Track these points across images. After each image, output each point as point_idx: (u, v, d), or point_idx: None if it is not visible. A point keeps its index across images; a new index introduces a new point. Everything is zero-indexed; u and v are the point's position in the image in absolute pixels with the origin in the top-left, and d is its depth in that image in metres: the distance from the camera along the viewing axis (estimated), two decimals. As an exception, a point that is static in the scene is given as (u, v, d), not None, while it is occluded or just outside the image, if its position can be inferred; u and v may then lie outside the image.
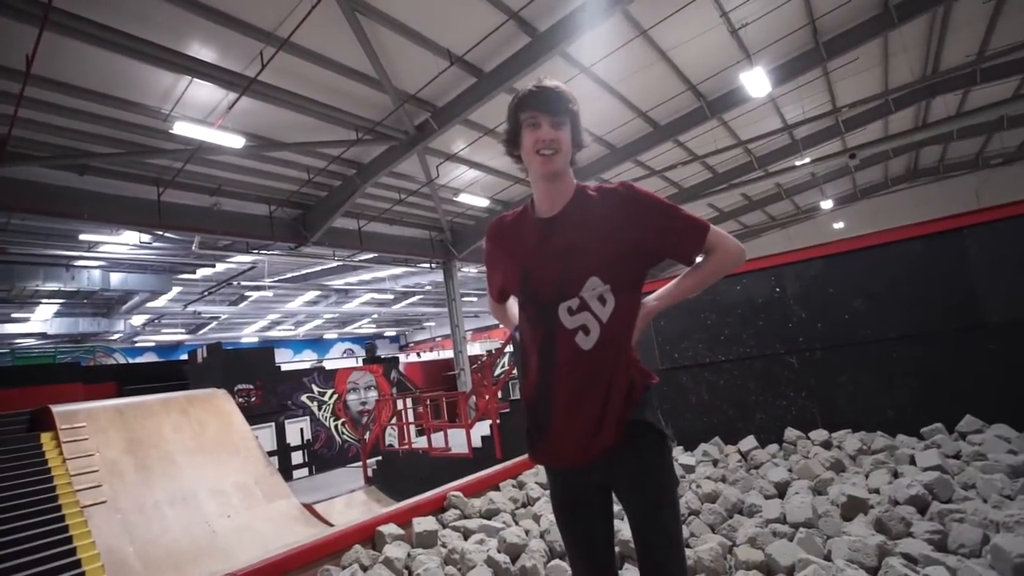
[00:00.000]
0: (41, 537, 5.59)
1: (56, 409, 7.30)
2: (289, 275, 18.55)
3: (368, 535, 3.35)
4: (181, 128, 7.54)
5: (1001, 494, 2.86)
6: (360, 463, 8.91)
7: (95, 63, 6.75)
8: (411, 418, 11.65)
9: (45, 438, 6.94)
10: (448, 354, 19.17)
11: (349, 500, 8.02)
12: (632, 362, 1.39)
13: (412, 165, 11.18)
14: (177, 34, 6.67)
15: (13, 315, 15.17)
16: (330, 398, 12.51)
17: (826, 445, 4.22)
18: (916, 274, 4.32)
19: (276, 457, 10.76)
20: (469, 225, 15.34)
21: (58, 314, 15.96)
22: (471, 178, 12.62)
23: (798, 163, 14.18)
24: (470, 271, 20.15)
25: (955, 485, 3.11)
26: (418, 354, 23.33)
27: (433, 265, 16.61)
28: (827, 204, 20.13)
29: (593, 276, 1.34)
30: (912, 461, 3.59)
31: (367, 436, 11.97)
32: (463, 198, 12.65)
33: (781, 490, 3.66)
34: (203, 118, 8.25)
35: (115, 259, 12.20)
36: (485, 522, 3.45)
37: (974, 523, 2.55)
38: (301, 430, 11.57)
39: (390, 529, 3.35)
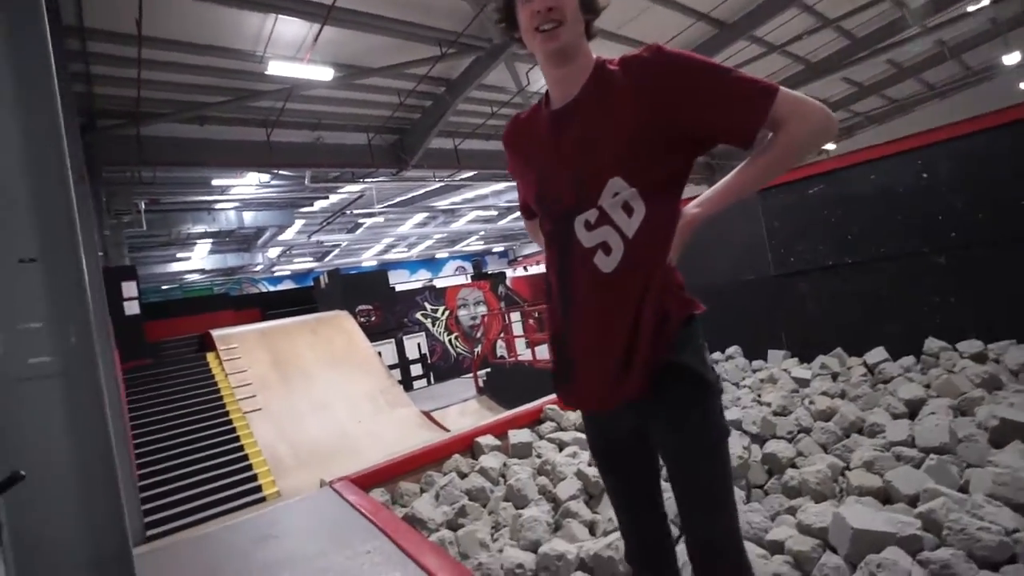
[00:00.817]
0: (216, 436, 6.78)
1: (215, 333, 8.54)
2: (397, 200, 19.36)
3: (467, 445, 3.57)
4: (275, 67, 7.80)
5: None
6: (481, 372, 9.54)
7: (193, 16, 7.07)
8: (518, 331, 12.07)
9: (210, 357, 8.20)
10: (553, 268, 19.28)
11: (463, 408, 8.68)
12: (668, 288, 1.11)
13: (501, 75, 10.71)
14: (257, -30, 6.71)
15: (177, 255, 17.74)
16: (442, 314, 13.29)
17: (979, 358, 3.64)
18: None
19: (397, 370, 11.84)
20: (565, 133, 14.66)
21: (211, 252, 18.34)
22: (563, 81, 11.84)
23: (972, 7, 11.38)
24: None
25: None
26: (525, 268, 23.71)
27: (532, 179, 16.31)
28: (1013, 58, 16.06)
29: (615, 176, 1.08)
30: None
31: (478, 349, 12.71)
32: (556, 105, 12.00)
33: (913, 409, 3.27)
34: (293, 55, 8.45)
35: (245, 199, 13.51)
36: (579, 435, 3.51)
37: None
38: (418, 345, 12.54)
39: (487, 440, 3.54)
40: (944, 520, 1.94)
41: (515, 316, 12.78)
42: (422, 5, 8.16)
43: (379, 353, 11.69)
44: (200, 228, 13.71)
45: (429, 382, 12.30)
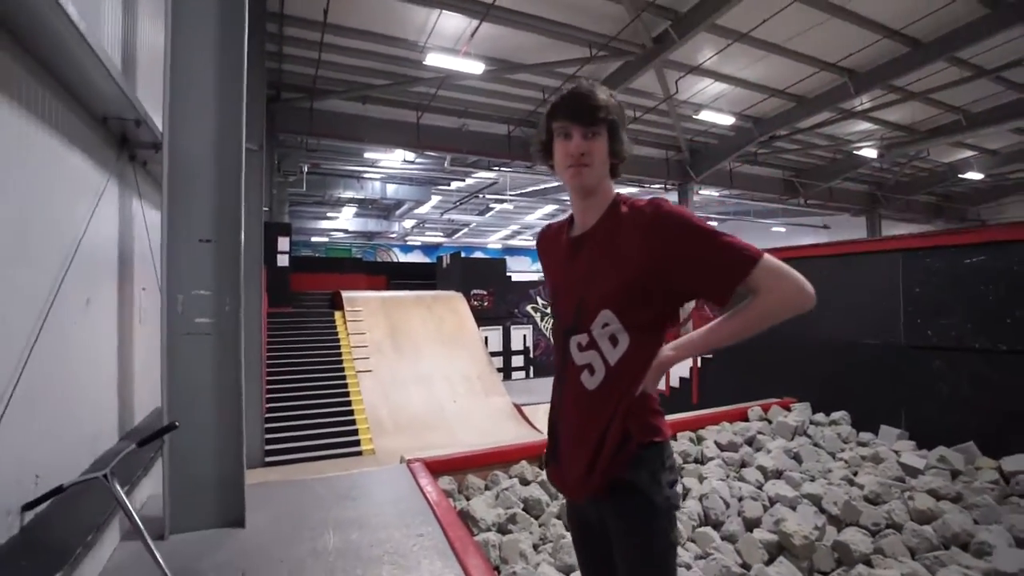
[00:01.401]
0: (330, 389, 7.71)
1: (345, 294, 9.61)
2: (529, 189, 19.90)
3: (537, 453, 3.78)
4: (432, 59, 8.46)
5: None
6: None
7: (370, 7, 7.92)
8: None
9: (337, 316, 9.27)
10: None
11: (553, 409, 8.90)
12: (636, 413, 1.21)
13: (649, 80, 10.53)
14: (428, -31, 7.32)
15: (328, 214, 20.00)
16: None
17: None
18: None
19: (500, 357, 12.37)
20: (711, 145, 14.03)
21: (355, 215, 20.39)
22: (716, 92, 11.33)
23: None
24: (711, 193, 18.71)
25: None
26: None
27: (668, 187, 15.86)
28: None
29: (606, 309, 1.20)
30: None
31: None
32: (705, 115, 11.52)
33: (1043, 534, 2.84)
34: (452, 46, 9.07)
35: (389, 173, 14.81)
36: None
37: None
38: (524, 336, 12.96)
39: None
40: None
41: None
42: (576, 6, 8.30)
43: (485, 338, 12.32)
44: (349, 194, 15.33)
45: (528, 375, 12.70)
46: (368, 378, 8.17)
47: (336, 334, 8.93)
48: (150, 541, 1.59)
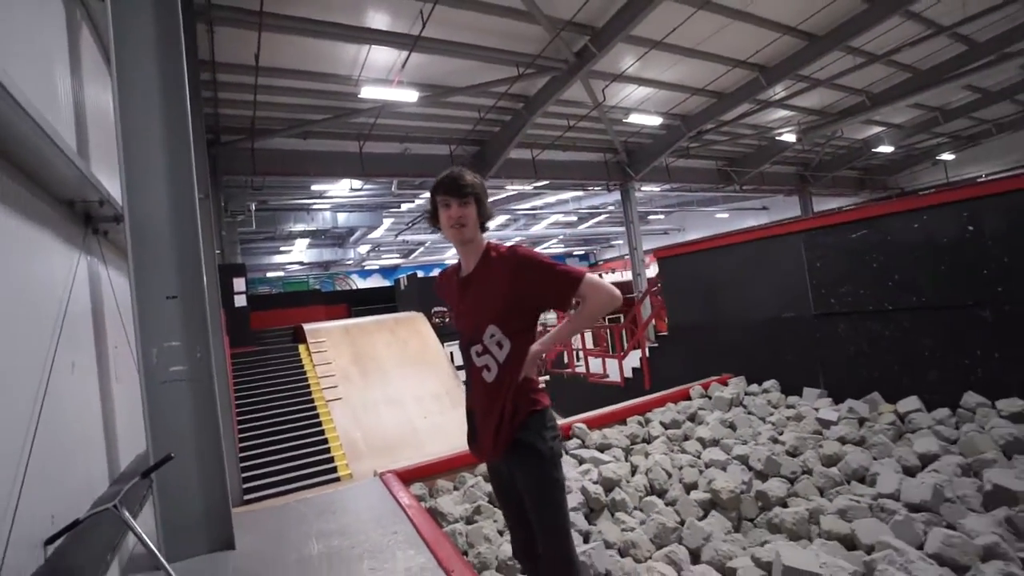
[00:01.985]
0: (303, 420, 7.86)
1: (307, 327, 9.75)
2: (478, 203, 20.39)
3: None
4: (367, 92, 8.80)
5: None
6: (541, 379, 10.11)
7: (301, 48, 8.21)
8: (590, 342, 12.44)
9: (301, 349, 9.41)
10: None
11: (521, 414, 9.28)
12: (521, 392, 1.70)
13: (578, 90, 11.13)
14: (356, 10, 7.67)
15: (281, 248, 19.92)
16: (512, 320, 13.98)
17: (1017, 418, 3.66)
18: None
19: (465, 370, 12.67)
20: (645, 144, 14.78)
21: (309, 247, 20.37)
22: (642, 96, 12.06)
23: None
24: (653, 189, 19.53)
25: None
26: (600, 275, 23.81)
27: (611, 187, 16.55)
28: None
29: (491, 325, 1.70)
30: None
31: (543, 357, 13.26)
32: (634, 118, 12.21)
33: (925, 463, 3.41)
34: (385, 77, 9.43)
35: (338, 202, 14.98)
36: (597, 454, 3.97)
37: None
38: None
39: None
40: (875, 571, 2.24)
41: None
42: (499, 31, 8.80)
43: (450, 354, 12.60)
44: (300, 226, 15.40)
45: (495, 383, 13.04)
46: (338, 406, 8.35)
47: (302, 367, 9.07)
48: (161, 556, 1.88)
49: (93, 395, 2.71)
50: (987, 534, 2.43)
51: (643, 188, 18.70)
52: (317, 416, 8.04)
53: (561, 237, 28.61)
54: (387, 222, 19.74)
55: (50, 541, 1.77)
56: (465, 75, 9.82)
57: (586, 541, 2.98)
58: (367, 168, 11.68)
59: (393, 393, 8.97)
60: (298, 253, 20.78)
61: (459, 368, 12.54)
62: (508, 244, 1.75)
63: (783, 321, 5.19)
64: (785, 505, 3.20)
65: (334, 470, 7.05)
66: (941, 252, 4.16)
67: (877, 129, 17.16)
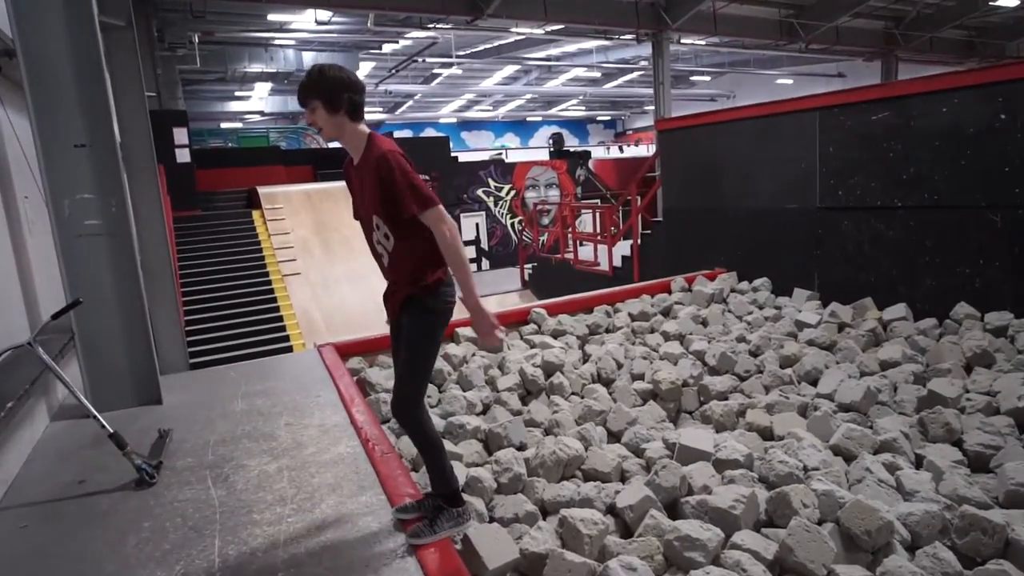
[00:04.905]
0: (256, 295, 8.53)
1: (262, 190, 10.14)
2: (480, 47, 19.68)
3: (448, 333, 4.70)
4: None
5: None
6: (528, 265, 10.68)
7: None
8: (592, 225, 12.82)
9: (255, 215, 9.87)
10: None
11: (502, 300, 9.91)
12: (410, 281, 2.10)
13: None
14: None
15: (236, 93, 19.64)
16: (507, 194, 14.24)
17: (998, 332, 4.12)
18: None
19: (450, 251, 13.21)
20: (689, -20, 14.00)
21: (272, 93, 20.08)
22: (686, -86, 11.28)
23: None
24: (695, 42, 18.71)
25: None
26: (620, 148, 23.64)
27: (642, 37, 15.92)
28: None
29: (375, 216, 2.08)
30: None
31: (543, 238, 13.68)
32: (674, -55, 11.52)
33: (884, 369, 3.91)
34: None
35: (303, 39, 14.60)
36: (548, 339, 4.52)
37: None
38: (476, 225, 13.74)
39: (465, 332, 4.64)
40: (766, 452, 2.79)
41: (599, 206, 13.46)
42: None
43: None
44: (257, 67, 15.14)
45: (480, 267, 13.64)
46: (296, 281, 8.97)
47: (256, 236, 9.59)
48: (84, 399, 2.43)
49: (4, 248, 3.15)
50: (893, 431, 2.96)
51: (683, 41, 17.92)
52: (272, 291, 8.69)
53: (582, 97, 27.82)
54: (366, 67, 19.28)
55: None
56: None
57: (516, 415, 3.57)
58: (333, -7, 11.32)
59: (359, 269, 9.54)
60: (258, 100, 20.53)
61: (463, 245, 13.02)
62: (385, 143, 2.05)
63: (786, 213, 5.49)
64: (725, 399, 3.75)
65: (289, 349, 7.78)
66: (964, 143, 4.36)
67: (998, -26, 15.98)
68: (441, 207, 2.04)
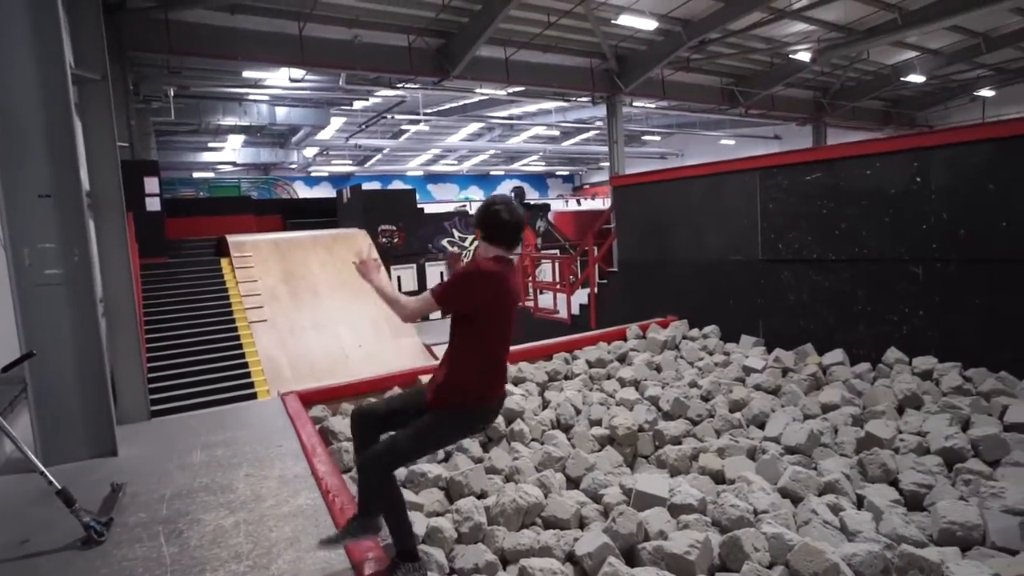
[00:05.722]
0: (222, 342, 8.26)
1: (231, 239, 9.94)
2: (446, 106, 20.05)
3: (411, 380, 4.61)
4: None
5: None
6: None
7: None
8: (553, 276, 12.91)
9: (224, 263, 9.65)
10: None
11: (465, 348, 9.82)
12: (444, 375, 2.34)
13: (560, -20, 10.95)
14: None
15: (209, 144, 19.51)
16: (471, 244, 14.30)
17: (925, 375, 4.23)
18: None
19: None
20: (638, 51, 14.63)
21: (244, 145, 19.99)
22: (635, -8, 11.88)
23: None
24: (647, 105, 19.44)
25: (1020, 450, 3.13)
26: (578, 201, 24.11)
27: (597, 99, 16.49)
28: None
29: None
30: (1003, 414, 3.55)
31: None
32: (625, 20, 12.07)
33: (825, 412, 3.96)
34: (327, -54, 9.11)
35: (276, 94, 14.66)
36: (508, 386, 4.44)
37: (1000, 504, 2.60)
38: (441, 273, 13.69)
39: (427, 379, 4.54)
40: (719, 496, 2.77)
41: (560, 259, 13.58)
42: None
43: (398, 278, 12.97)
44: (231, 120, 15.10)
45: (444, 315, 13.53)
46: (263, 328, 8.74)
47: (223, 283, 9.35)
48: (30, 453, 2.27)
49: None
50: (835, 472, 2.98)
51: (635, 104, 18.63)
52: (238, 338, 8.44)
53: (542, 153, 28.46)
54: (336, 122, 19.40)
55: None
56: (425, -49, 9.55)
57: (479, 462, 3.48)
58: (308, 55, 11.42)
59: (325, 317, 9.38)
60: (230, 152, 20.39)
61: (410, 294, 12.89)
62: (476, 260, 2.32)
63: (731, 264, 5.63)
64: (679, 443, 3.74)
65: (253, 396, 7.51)
66: (887, 202, 4.57)
67: (909, 54, 17.17)
68: (428, 295, 2.28)
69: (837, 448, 3.47)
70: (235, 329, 8.57)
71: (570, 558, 2.55)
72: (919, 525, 2.63)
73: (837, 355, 4.70)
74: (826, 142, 20.41)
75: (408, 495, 2.91)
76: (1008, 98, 20.62)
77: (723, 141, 25.52)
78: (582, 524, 2.85)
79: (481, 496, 3.06)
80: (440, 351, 9.87)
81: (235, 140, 19.52)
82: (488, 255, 2.32)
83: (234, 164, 22.02)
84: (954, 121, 22.27)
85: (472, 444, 3.66)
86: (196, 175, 24.14)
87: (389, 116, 18.32)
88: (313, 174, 27.12)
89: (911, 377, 4.21)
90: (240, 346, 8.32)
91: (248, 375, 7.91)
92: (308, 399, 4.14)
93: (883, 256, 4.62)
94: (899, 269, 4.54)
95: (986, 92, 20.67)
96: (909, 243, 4.48)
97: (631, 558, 2.52)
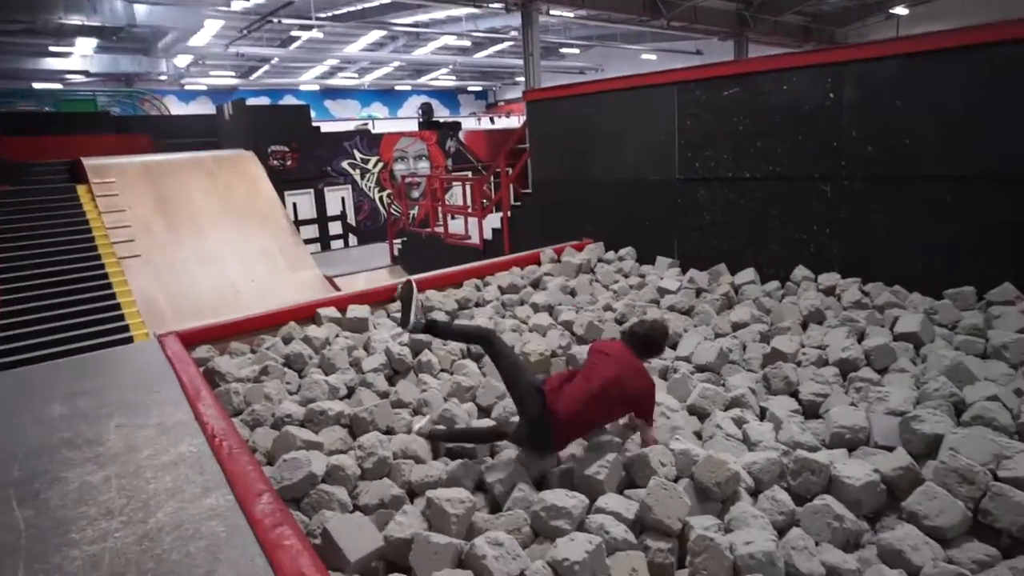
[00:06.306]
0: (86, 282, 7.68)
1: (87, 162, 9.08)
2: (343, 10, 18.76)
3: (310, 314, 4.49)
4: None
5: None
6: (397, 240, 10.45)
7: None
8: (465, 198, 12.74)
9: (81, 190, 8.84)
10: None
11: (371, 277, 9.66)
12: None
13: None
14: None
15: (51, 48, 17.24)
16: (375, 166, 13.80)
17: (828, 291, 4.56)
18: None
19: (314, 226, 12.63)
20: (554, -50, 14.14)
21: (98, 49, 17.91)
22: None
23: None
24: (565, 14, 19.02)
25: (906, 357, 3.44)
26: (492, 119, 23.69)
27: (512, 6, 15.93)
28: None
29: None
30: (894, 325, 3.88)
31: (414, 212, 13.44)
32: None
33: (735, 330, 4.20)
34: None
35: (135, -11, 13.15)
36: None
37: (885, 407, 2.88)
38: (342, 199, 13.21)
39: (328, 312, 4.46)
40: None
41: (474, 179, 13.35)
42: None
43: (294, 205, 12.38)
44: (77, 19, 13.38)
45: (347, 243, 13.17)
46: (136, 264, 8.20)
47: (83, 214, 8.60)
48: None
49: None
50: (742, 387, 3.22)
51: (552, 12, 18.17)
52: (106, 276, 7.89)
53: (452, 66, 27.49)
54: (212, 25, 17.72)
55: None
56: None
57: (384, 397, 3.47)
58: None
59: (211, 250, 8.93)
60: (80, 59, 18.23)
61: (301, 223, 12.40)
62: None
63: (648, 184, 5.75)
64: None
65: (130, 340, 7.11)
66: (801, 119, 4.76)
67: (830, -34, 17.63)
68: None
69: (745, 364, 3.72)
70: (102, 267, 7.99)
71: (480, 487, 2.63)
72: (814, 432, 2.89)
73: (749, 274, 4.98)
74: (747, 57, 20.92)
75: (307, 434, 2.88)
76: (922, 16, 21.73)
77: (644, 56, 25.55)
78: (492, 453, 2.93)
79: (388, 432, 3.07)
80: (343, 282, 9.62)
81: (85, 44, 17.38)
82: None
83: (87, 74, 19.75)
84: (871, 39, 23.33)
85: (377, 378, 3.64)
86: (38, 86, 21.49)
87: (275, 20, 16.92)
88: (188, 87, 24.92)
89: (816, 294, 4.54)
90: (109, 285, 7.79)
91: (122, 318, 7.45)
92: (191, 339, 3.93)
93: (796, 174, 4.85)
94: (810, 187, 4.79)
95: (900, 10, 21.66)
96: (820, 161, 4.71)
97: (541, 483, 2.63)
